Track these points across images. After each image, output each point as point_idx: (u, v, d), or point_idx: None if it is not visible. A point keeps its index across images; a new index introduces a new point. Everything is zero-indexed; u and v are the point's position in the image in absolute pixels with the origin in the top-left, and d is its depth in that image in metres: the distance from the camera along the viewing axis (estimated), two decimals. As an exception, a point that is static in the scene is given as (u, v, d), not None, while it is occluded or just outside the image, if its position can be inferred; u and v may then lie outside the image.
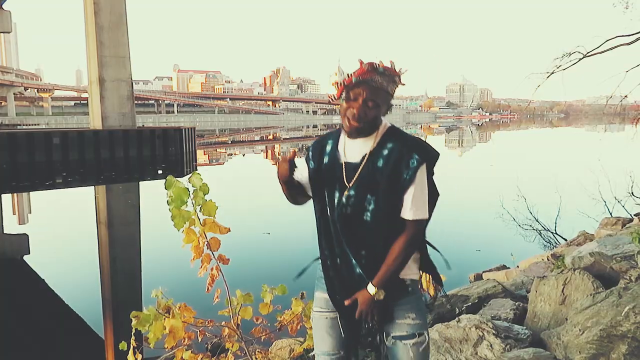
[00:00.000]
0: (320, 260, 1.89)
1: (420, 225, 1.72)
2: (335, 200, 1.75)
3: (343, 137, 1.82)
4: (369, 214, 1.70)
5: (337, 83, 1.76)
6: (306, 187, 1.88)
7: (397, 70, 1.72)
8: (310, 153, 1.89)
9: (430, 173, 1.73)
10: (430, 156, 1.70)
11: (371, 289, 1.69)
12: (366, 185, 1.70)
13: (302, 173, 1.86)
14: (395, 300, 1.76)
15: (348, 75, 1.71)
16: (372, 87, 1.69)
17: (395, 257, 1.69)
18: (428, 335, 1.82)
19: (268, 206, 12.01)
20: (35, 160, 21.48)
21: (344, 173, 1.75)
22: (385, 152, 1.70)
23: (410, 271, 1.80)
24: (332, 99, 1.80)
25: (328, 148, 1.84)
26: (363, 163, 1.72)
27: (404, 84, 1.76)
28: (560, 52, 10.45)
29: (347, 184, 1.73)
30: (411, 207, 1.68)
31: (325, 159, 1.82)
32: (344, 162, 1.76)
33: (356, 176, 1.72)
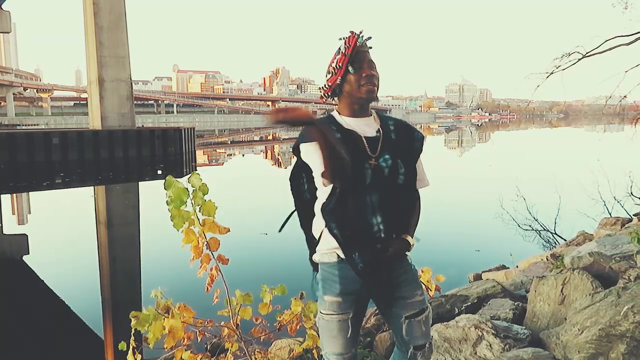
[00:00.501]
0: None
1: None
2: (367, 169, 1.77)
3: (342, 120, 1.85)
4: (402, 177, 1.81)
5: (337, 59, 1.81)
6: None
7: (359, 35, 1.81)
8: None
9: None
10: (423, 134, 1.93)
11: (408, 237, 1.81)
12: (394, 153, 1.80)
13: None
14: (400, 283, 1.86)
15: (346, 47, 1.79)
16: (365, 51, 1.82)
17: (417, 218, 1.90)
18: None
19: (267, 206, 12.00)
20: (34, 160, 21.46)
21: (367, 145, 1.80)
22: (392, 127, 1.88)
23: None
24: (326, 92, 1.87)
25: (334, 127, 1.84)
26: (381, 135, 1.83)
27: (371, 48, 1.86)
28: (559, 52, 10.51)
29: (371, 155, 1.78)
30: (423, 176, 1.92)
31: (338, 135, 1.81)
32: (365, 136, 1.81)
33: (380, 146, 1.80)
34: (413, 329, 1.86)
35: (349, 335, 1.84)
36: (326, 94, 1.89)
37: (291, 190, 2.01)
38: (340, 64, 1.80)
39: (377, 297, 1.91)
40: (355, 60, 1.78)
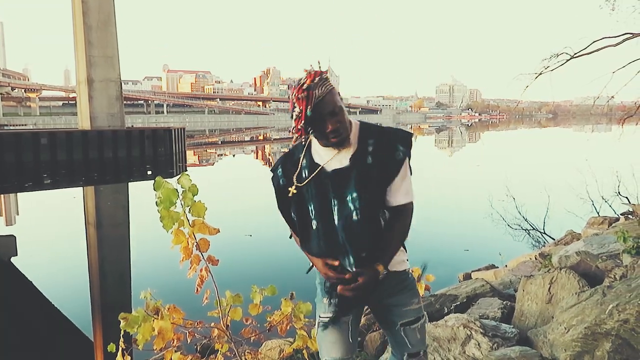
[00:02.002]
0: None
1: (411, 207, 1.78)
2: (334, 208, 1.73)
3: (315, 147, 1.79)
4: (367, 208, 1.71)
5: (294, 119, 1.70)
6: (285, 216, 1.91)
7: (319, 72, 1.69)
8: (280, 170, 1.86)
9: (409, 156, 1.78)
10: (409, 143, 1.76)
11: (379, 267, 1.70)
12: (362, 185, 1.70)
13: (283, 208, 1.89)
14: (396, 292, 1.85)
15: (298, 113, 1.67)
16: (322, 103, 1.65)
17: (394, 241, 1.75)
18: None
19: (257, 207, 11.99)
20: (22, 160, 21.27)
21: (334, 180, 1.72)
22: (370, 148, 1.72)
23: (402, 263, 1.86)
24: (296, 117, 1.70)
25: (304, 162, 1.80)
26: (349, 166, 1.71)
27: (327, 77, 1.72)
28: (548, 53, 10.58)
29: (335, 194, 1.72)
30: (404, 192, 1.74)
31: (305, 173, 1.78)
32: (331, 170, 1.73)
33: (346, 179, 1.71)
34: (408, 336, 1.86)
35: (348, 339, 1.84)
36: (295, 134, 1.76)
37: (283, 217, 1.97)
38: (299, 126, 1.69)
39: (371, 306, 1.92)
40: (312, 122, 1.67)
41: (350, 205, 1.71)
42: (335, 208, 1.73)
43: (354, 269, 1.73)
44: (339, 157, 1.74)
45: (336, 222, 1.73)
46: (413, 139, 1.78)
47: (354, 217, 1.71)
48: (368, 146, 1.73)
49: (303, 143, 1.85)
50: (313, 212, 1.78)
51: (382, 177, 1.71)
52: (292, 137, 1.79)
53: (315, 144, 1.79)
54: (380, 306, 1.88)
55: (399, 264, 1.84)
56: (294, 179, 1.80)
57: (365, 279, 1.66)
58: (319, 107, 1.65)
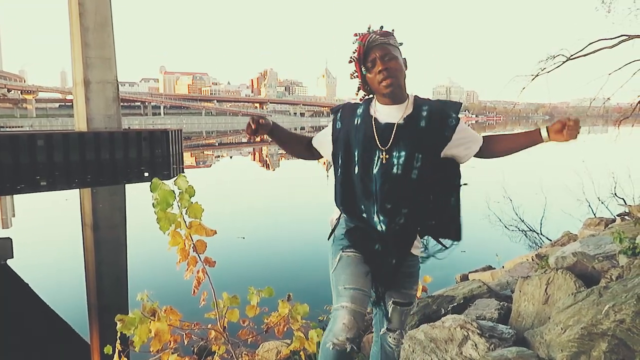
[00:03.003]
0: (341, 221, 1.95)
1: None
2: (376, 160, 1.79)
3: (374, 105, 1.88)
4: (416, 172, 1.78)
5: (355, 65, 1.85)
6: (320, 150, 2.02)
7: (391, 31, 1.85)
8: (340, 114, 1.95)
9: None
10: (459, 109, 1.87)
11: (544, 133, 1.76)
12: (413, 145, 1.77)
13: (320, 141, 2.00)
14: (403, 274, 1.93)
15: (354, 52, 1.83)
16: (386, 45, 1.79)
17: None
18: None
19: (255, 209, 11.99)
20: (19, 162, 21.21)
21: (381, 134, 1.80)
22: (424, 113, 1.81)
23: (417, 249, 1.96)
24: (354, 76, 1.89)
25: (359, 111, 1.89)
26: (403, 125, 1.80)
27: (402, 44, 1.87)
28: (544, 54, 10.62)
29: (380, 146, 1.79)
30: (474, 137, 1.87)
31: (357, 121, 1.87)
32: (385, 123, 1.81)
33: (398, 137, 1.78)
34: (395, 314, 1.96)
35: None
36: (360, 95, 1.94)
37: None
38: (355, 69, 1.85)
39: (379, 275, 1.91)
40: (366, 60, 1.80)
41: (394, 160, 1.77)
42: (378, 159, 1.79)
43: (379, 217, 1.79)
44: (395, 114, 1.82)
45: (374, 170, 1.79)
46: (461, 107, 1.90)
47: (394, 170, 1.77)
48: (422, 111, 1.82)
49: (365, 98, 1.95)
50: (356, 158, 1.83)
51: (435, 143, 1.80)
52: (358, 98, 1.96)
53: (374, 103, 1.89)
54: (385, 281, 1.93)
55: (415, 248, 1.93)
56: (345, 123, 1.90)
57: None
58: (376, 46, 1.79)
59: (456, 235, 1.95)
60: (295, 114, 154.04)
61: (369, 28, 1.83)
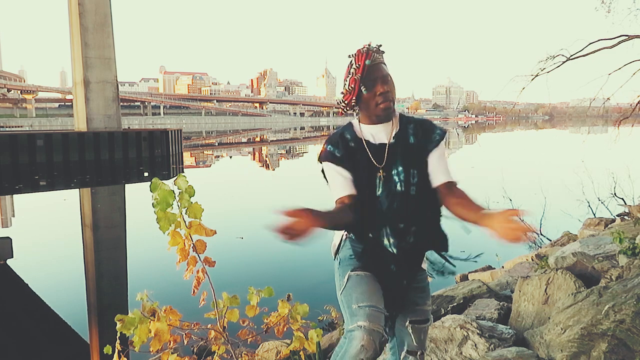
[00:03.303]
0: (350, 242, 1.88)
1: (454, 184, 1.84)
2: (377, 182, 1.79)
3: (359, 127, 1.86)
4: (414, 188, 1.78)
5: (349, 79, 1.80)
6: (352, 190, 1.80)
7: (376, 46, 1.82)
8: (331, 145, 1.86)
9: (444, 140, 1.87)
10: (444, 132, 1.86)
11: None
12: (407, 162, 1.78)
13: (342, 183, 1.80)
14: (415, 290, 1.89)
15: (355, 68, 1.78)
16: (383, 65, 1.80)
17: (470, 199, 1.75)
18: None
19: (255, 208, 11.98)
20: (18, 162, 21.20)
21: (375, 154, 1.80)
22: (411, 130, 1.83)
23: (424, 262, 1.94)
24: (344, 107, 1.86)
25: (348, 136, 1.86)
26: (395, 143, 1.80)
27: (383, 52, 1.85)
28: (544, 54, 10.64)
29: (378, 165, 1.78)
30: (446, 170, 1.81)
31: (352, 144, 1.84)
32: (376, 144, 1.81)
33: (392, 155, 1.79)
34: (413, 334, 1.89)
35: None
36: (344, 109, 1.88)
37: None
38: (352, 85, 1.79)
39: (391, 294, 1.85)
40: (366, 80, 1.77)
41: (395, 177, 1.77)
42: (379, 180, 1.78)
43: (390, 240, 1.77)
44: (383, 133, 1.83)
45: (378, 193, 1.78)
46: (445, 131, 1.88)
47: (397, 187, 1.77)
48: (409, 128, 1.83)
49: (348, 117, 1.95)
50: (356, 183, 1.80)
51: (423, 156, 1.80)
52: (339, 111, 1.92)
53: (357, 124, 1.87)
54: (398, 298, 1.87)
55: (423, 262, 1.92)
56: (342, 151, 1.83)
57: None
58: (376, 66, 1.77)
59: (443, 247, 1.92)
60: (295, 113, 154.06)
61: (369, 45, 1.80)
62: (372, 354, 1.58)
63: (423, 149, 1.81)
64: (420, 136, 1.82)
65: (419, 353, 1.91)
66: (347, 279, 1.78)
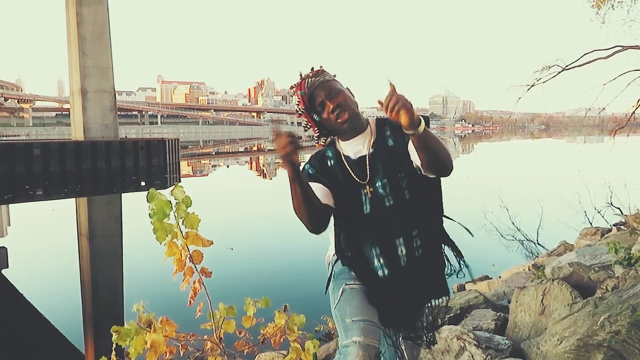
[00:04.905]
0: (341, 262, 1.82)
1: None
2: (364, 198, 1.72)
3: (339, 144, 1.81)
4: (406, 191, 1.71)
5: (303, 116, 1.80)
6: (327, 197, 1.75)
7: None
8: (308, 164, 1.84)
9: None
10: (423, 116, 1.71)
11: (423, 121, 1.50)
12: (391, 168, 1.71)
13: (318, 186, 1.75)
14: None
15: (297, 103, 1.77)
16: (326, 83, 1.74)
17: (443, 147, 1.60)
18: None
19: (251, 218, 11.97)
20: (15, 171, 21.14)
21: (357, 169, 1.74)
22: (388, 132, 1.76)
23: None
24: (318, 139, 1.85)
25: (330, 153, 1.81)
26: (374, 153, 1.74)
27: (335, 75, 1.81)
28: (540, 65, 10.72)
29: (361, 181, 1.72)
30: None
31: (331, 162, 1.79)
32: (356, 158, 1.75)
33: (374, 167, 1.72)
34: (407, 349, 1.86)
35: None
36: (317, 140, 1.86)
37: None
38: (305, 119, 1.79)
39: (392, 313, 1.81)
40: (312, 106, 1.74)
41: (382, 192, 1.70)
42: (365, 197, 1.72)
43: (381, 260, 1.70)
44: (361, 146, 1.77)
45: (366, 211, 1.72)
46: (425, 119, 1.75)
47: (386, 203, 1.70)
48: (386, 131, 1.76)
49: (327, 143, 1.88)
50: (342, 201, 1.75)
51: (405, 152, 1.70)
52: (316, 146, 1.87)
53: (337, 142, 1.83)
54: (394, 314, 1.81)
55: None
56: (316, 169, 1.79)
57: (397, 97, 1.43)
58: (316, 90, 1.72)
59: (444, 292, 1.86)
60: (292, 123, 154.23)
61: (300, 75, 1.77)
62: None
63: (403, 145, 1.70)
64: (397, 134, 1.72)
65: None
66: (342, 293, 1.74)
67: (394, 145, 1.73)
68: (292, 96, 1.79)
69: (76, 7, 25.39)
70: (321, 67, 1.79)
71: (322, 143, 1.86)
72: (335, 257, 1.85)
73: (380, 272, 1.72)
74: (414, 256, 1.73)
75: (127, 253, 9.39)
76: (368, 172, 1.72)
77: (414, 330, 1.85)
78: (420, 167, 1.64)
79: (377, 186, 1.71)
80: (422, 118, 1.50)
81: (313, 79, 1.74)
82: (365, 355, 1.52)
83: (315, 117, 1.76)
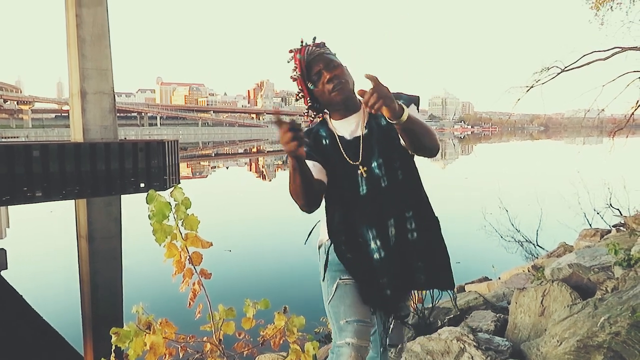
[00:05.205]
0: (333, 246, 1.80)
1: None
2: (360, 180, 1.71)
3: (332, 123, 1.79)
4: (400, 172, 1.71)
5: (297, 83, 1.77)
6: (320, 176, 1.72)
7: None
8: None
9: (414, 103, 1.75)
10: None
11: (406, 110, 1.51)
12: (385, 148, 1.70)
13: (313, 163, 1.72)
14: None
15: (294, 68, 1.74)
16: (327, 55, 1.72)
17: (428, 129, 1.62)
18: None
19: (251, 220, 11.97)
20: (14, 173, 21.12)
21: (351, 150, 1.72)
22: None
23: None
24: (310, 114, 1.81)
25: (323, 133, 1.79)
26: (368, 133, 1.72)
27: (335, 54, 1.78)
28: (539, 66, 10.74)
29: (353, 162, 1.71)
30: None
31: (325, 141, 1.77)
32: (350, 138, 1.73)
33: (368, 148, 1.71)
34: (395, 329, 1.91)
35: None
36: (311, 115, 1.83)
37: None
38: (300, 87, 1.76)
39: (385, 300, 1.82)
40: (310, 74, 1.71)
41: (377, 172, 1.70)
42: (361, 178, 1.71)
43: (378, 242, 1.69)
44: (354, 126, 1.75)
45: (362, 192, 1.71)
46: (415, 97, 1.76)
47: (382, 184, 1.70)
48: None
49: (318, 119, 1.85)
50: (335, 182, 1.74)
51: (397, 135, 1.67)
52: (307, 122, 1.84)
53: (329, 121, 1.80)
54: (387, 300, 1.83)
55: None
56: (310, 147, 1.74)
57: (381, 89, 1.43)
58: (315, 59, 1.70)
59: (448, 284, 1.84)
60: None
61: (301, 42, 1.75)
62: None
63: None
64: None
65: (398, 346, 1.96)
66: (336, 288, 1.75)
67: (386, 125, 1.70)
68: (289, 61, 1.75)
69: (76, 8, 25.41)
70: (323, 42, 1.78)
71: (311, 118, 1.83)
72: (329, 242, 1.82)
73: (376, 255, 1.71)
74: (407, 239, 1.73)
75: (126, 255, 9.38)
76: (361, 153, 1.71)
77: (401, 310, 1.88)
78: (408, 149, 1.67)
79: (373, 166, 1.71)
80: (404, 107, 1.51)
81: (314, 48, 1.72)
82: (358, 356, 1.60)
83: (309, 85, 1.73)
